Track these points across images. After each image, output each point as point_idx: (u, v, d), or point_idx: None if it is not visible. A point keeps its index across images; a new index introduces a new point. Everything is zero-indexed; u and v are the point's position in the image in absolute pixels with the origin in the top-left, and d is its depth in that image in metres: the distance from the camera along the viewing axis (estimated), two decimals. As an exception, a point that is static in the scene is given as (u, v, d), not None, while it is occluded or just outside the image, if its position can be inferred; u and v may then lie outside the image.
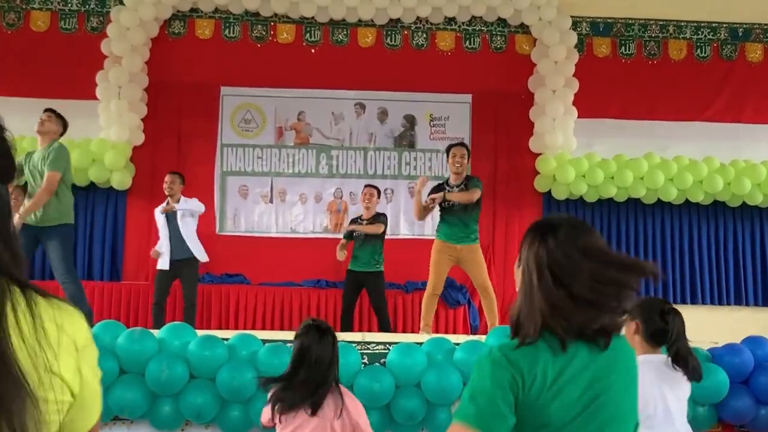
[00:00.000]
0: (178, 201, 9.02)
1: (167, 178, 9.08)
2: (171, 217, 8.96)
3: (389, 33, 11.12)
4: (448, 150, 8.50)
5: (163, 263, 8.94)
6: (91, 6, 10.93)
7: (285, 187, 10.96)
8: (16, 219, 7.21)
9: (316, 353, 4.09)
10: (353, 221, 9.55)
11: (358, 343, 6.58)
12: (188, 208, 8.99)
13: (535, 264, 2.22)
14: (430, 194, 8.37)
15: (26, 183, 7.59)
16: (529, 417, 2.09)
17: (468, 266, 8.31)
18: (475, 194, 8.17)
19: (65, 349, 1.45)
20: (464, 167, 8.34)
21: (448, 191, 8.24)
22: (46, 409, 1.40)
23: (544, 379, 2.08)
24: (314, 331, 4.15)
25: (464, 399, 2.10)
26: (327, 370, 4.11)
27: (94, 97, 10.33)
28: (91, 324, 7.32)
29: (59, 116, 7.77)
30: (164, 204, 9.01)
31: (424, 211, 8.42)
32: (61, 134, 7.80)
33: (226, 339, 6.42)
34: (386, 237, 9.37)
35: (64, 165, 7.54)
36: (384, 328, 9.08)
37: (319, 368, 4.08)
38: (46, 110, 7.79)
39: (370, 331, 9.48)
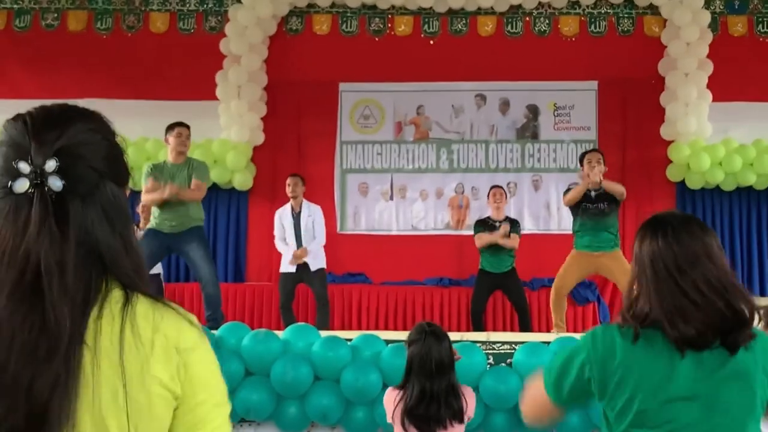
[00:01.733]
0: (301, 204, 9.24)
1: (289, 180, 9.29)
2: (297, 223, 9.19)
3: (510, 20, 11.12)
4: (581, 158, 8.41)
5: (287, 265, 9.19)
6: (209, 5, 11.25)
7: (405, 183, 11.08)
8: (160, 194, 7.53)
9: (437, 360, 4.18)
10: (482, 222, 9.49)
11: (483, 342, 6.57)
12: (318, 247, 9.18)
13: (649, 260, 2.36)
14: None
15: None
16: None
17: (610, 273, 8.22)
18: (624, 191, 8.14)
19: (160, 351, 1.51)
20: (601, 174, 8.11)
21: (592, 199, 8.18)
22: (143, 405, 1.48)
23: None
24: (431, 337, 4.23)
25: None
26: (448, 375, 4.21)
27: (214, 98, 10.63)
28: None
29: (189, 129, 7.95)
30: (291, 253, 9.16)
31: (575, 198, 8.22)
32: None
33: (349, 340, 6.48)
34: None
35: (209, 180, 7.94)
36: (525, 327, 9.16)
37: (440, 375, 4.18)
38: (183, 125, 7.86)
39: (494, 330, 9.54)
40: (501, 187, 9.64)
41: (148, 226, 7.89)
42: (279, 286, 9.33)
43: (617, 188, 8.12)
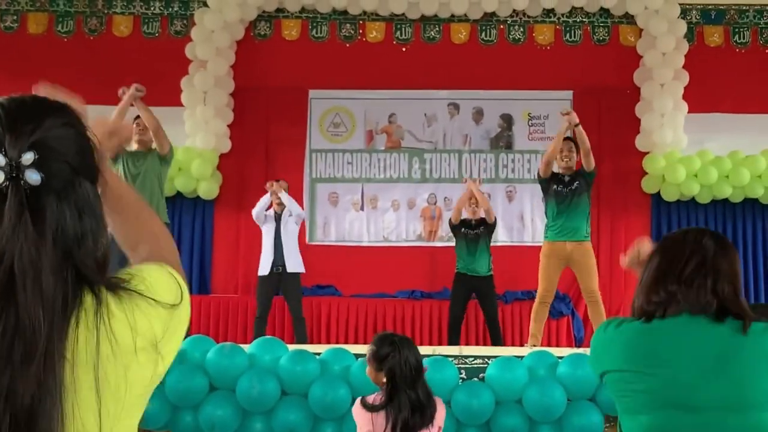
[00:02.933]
0: (283, 209, 9.25)
1: (272, 182, 9.32)
2: (278, 226, 9.20)
3: (484, 28, 11.16)
4: None
5: (264, 269, 9.18)
6: (175, 9, 11.21)
7: (376, 193, 11.09)
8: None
9: (407, 370, 4.17)
10: (461, 222, 9.44)
11: (455, 357, 6.58)
12: (295, 212, 9.21)
13: None
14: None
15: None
16: None
17: (578, 268, 8.21)
18: (592, 158, 8.12)
19: (143, 354, 1.49)
20: (573, 162, 8.22)
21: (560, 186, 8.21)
22: (125, 406, 1.47)
23: None
24: (397, 346, 4.23)
25: None
26: (420, 382, 4.19)
27: (179, 104, 10.58)
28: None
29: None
30: (269, 260, 9.20)
31: (555, 151, 8.22)
32: None
33: (318, 353, 6.48)
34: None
35: (172, 155, 7.98)
36: (498, 340, 9.15)
37: (414, 384, 4.16)
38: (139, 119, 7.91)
39: (467, 344, 9.55)
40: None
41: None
42: (257, 293, 9.34)
43: (588, 146, 8.09)
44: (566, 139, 8.36)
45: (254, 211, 9.31)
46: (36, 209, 1.42)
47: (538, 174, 8.43)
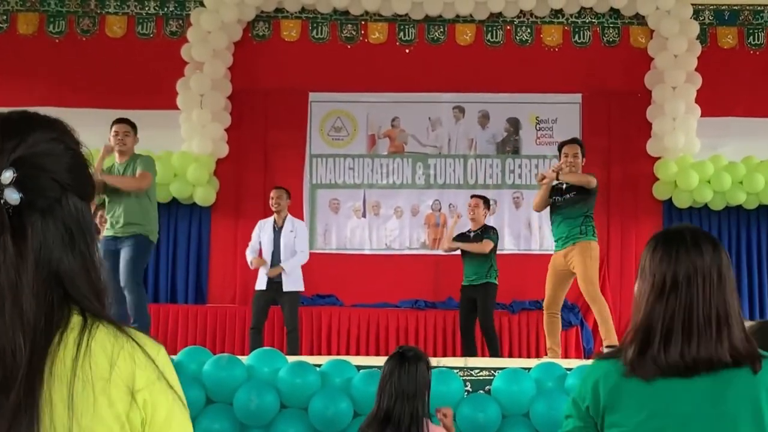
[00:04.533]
0: (285, 218, 9.17)
1: (273, 193, 9.22)
2: (277, 237, 9.12)
3: (490, 29, 11.17)
4: (559, 148, 8.37)
5: (261, 283, 9.11)
6: (170, 9, 11.21)
7: (379, 199, 11.09)
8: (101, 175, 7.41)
9: (397, 385, 4.20)
10: (460, 236, 9.52)
11: (461, 368, 6.55)
12: (296, 265, 9.09)
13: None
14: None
15: (103, 202, 7.83)
16: None
17: (574, 263, 8.04)
18: (591, 179, 8.00)
19: (115, 389, 1.45)
20: (578, 167, 8.16)
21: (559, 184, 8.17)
22: None
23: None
24: (396, 360, 4.27)
25: None
26: (411, 403, 4.20)
27: (175, 107, 10.58)
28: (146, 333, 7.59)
29: (133, 126, 7.85)
30: (266, 266, 9.12)
31: (543, 199, 8.27)
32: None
33: (318, 365, 6.44)
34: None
35: (154, 172, 7.81)
36: (492, 350, 9.07)
37: (402, 402, 4.18)
38: (121, 122, 7.82)
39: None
40: (478, 197, 9.56)
41: (103, 233, 7.84)
42: (252, 304, 9.27)
43: (581, 179, 8.01)
44: (569, 142, 8.33)
45: (247, 253, 9.31)
46: (18, 229, 1.42)
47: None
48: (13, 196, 1.40)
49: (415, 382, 4.23)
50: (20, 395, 1.35)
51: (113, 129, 7.77)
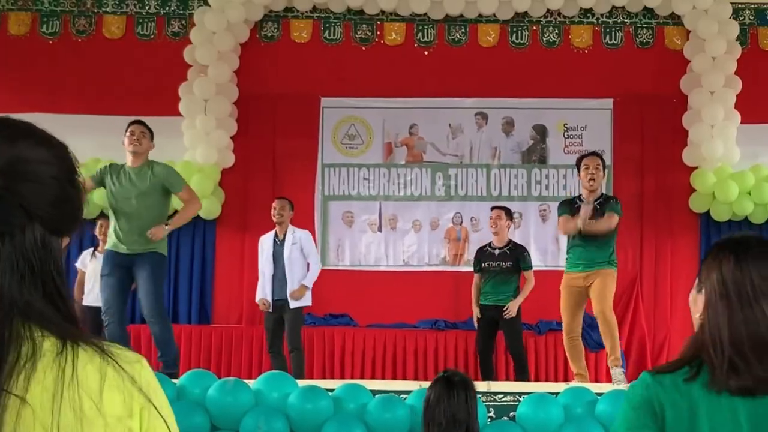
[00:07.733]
0: (286, 230, 9.13)
1: (276, 203, 9.19)
2: (279, 250, 9.07)
3: (515, 29, 11.16)
4: (578, 162, 8.32)
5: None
6: (172, 8, 11.22)
7: (396, 212, 11.08)
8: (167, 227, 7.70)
9: (447, 413, 4.16)
10: (481, 250, 9.43)
11: (483, 393, 6.53)
12: (314, 277, 9.13)
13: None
14: (561, 211, 8.26)
15: (101, 213, 7.80)
16: None
17: (592, 292, 8.03)
18: (614, 220, 7.99)
19: (101, 420, 1.42)
20: (599, 183, 8.12)
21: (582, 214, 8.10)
22: None
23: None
24: (443, 385, 4.21)
25: None
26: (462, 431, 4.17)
27: (177, 113, 10.57)
28: (177, 367, 7.65)
29: (150, 130, 7.84)
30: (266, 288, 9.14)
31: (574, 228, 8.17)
32: None
33: (331, 390, 6.48)
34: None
35: (185, 181, 7.96)
36: (523, 376, 9.02)
37: (453, 430, 4.14)
38: (138, 123, 7.82)
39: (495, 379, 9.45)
40: (500, 208, 9.50)
41: (106, 246, 7.86)
42: (264, 323, 9.28)
43: (609, 224, 7.96)
44: (591, 155, 8.28)
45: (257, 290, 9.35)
46: None
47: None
48: None
49: (466, 408, 4.21)
50: None
51: (129, 129, 7.74)
